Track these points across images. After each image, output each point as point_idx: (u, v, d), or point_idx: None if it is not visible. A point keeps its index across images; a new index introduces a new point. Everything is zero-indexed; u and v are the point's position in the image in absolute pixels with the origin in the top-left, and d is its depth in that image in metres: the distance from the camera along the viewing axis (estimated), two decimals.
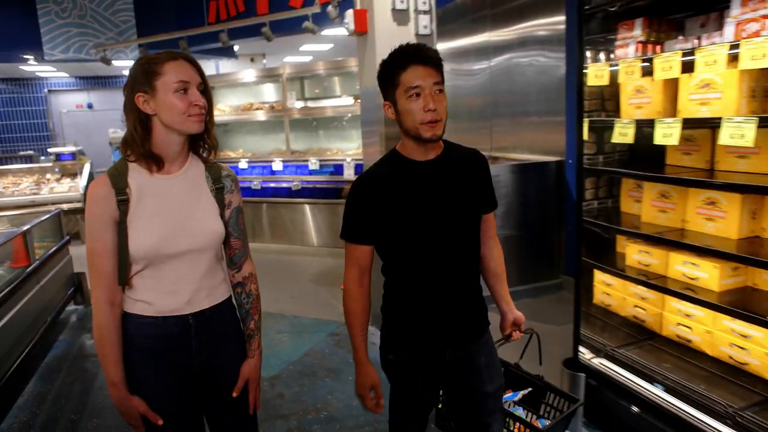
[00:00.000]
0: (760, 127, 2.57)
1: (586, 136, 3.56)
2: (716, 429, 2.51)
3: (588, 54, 3.79)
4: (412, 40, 4.56)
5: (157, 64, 1.76)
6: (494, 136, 7.26)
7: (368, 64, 4.83)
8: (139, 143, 1.81)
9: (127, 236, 1.79)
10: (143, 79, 1.77)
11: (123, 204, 1.79)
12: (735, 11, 2.72)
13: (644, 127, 3.14)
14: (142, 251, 1.80)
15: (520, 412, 2.64)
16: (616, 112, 3.61)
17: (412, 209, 2.00)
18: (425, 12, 4.69)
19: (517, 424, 2.45)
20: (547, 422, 2.67)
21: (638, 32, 3.36)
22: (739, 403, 2.65)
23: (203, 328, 1.96)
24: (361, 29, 4.66)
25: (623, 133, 3.23)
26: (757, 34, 2.54)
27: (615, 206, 3.98)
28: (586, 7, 3.28)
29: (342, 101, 8.87)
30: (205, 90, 1.85)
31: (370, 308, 2.14)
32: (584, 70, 3.47)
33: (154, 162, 1.85)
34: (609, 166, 3.81)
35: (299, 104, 9.02)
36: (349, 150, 8.75)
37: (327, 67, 8.72)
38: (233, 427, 2.12)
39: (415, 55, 1.89)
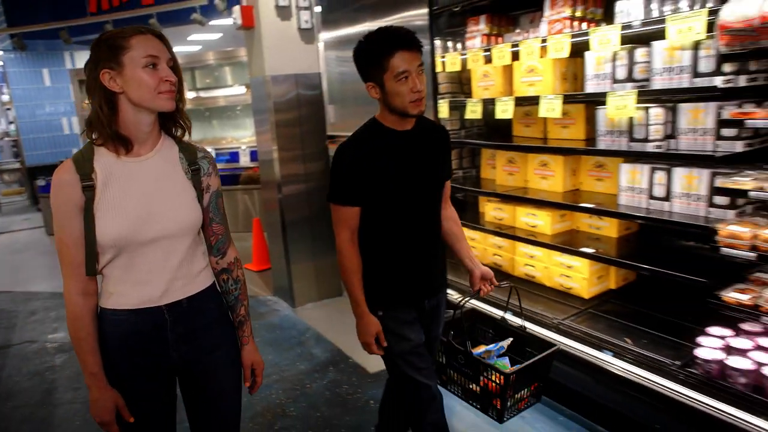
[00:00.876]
0: (567, 102, 3.35)
1: (447, 114, 4.25)
2: (545, 335, 3.27)
3: (449, 44, 4.48)
4: (295, 34, 5.07)
5: (124, 38, 1.63)
6: None
7: (256, 56, 5.25)
8: (105, 124, 1.67)
9: (93, 224, 1.66)
10: (108, 54, 1.63)
11: (88, 190, 1.65)
12: (546, 12, 3.47)
13: (489, 105, 3.85)
14: (110, 239, 1.68)
15: (506, 361, 2.69)
16: (471, 93, 4.32)
17: (395, 173, 2.21)
18: (305, 8, 5.19)
19: (495, 373, 2.44)
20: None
21: (483, 26, 4.07)
22: (562, 316, 3.46)
23: (180, 321, 1.83)
24: (248, 24, 5.07)
25: (473, 110, 3.94)
26: (560, 31, 3.30)
27: (477, 173, 4.72)
28: (435, 8, 3.96)
29: (234, 90, 9.11)
30: (175, 66, 1.73)
31: (361, 265, 2.31)
32: (437, 59, 4.15)
33: (122, 144, 1.71)
34: (469, 139, 4.53)
35: (191, 94, 9.15)
36: (244, 138, 9.04)
37: (217, 57, 8.92)
38: (216, 430, 2.01)
39: (401, 41, 2.05)
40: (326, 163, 5.89)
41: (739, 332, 2.75)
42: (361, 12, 8.36)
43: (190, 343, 1.87)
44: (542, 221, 3.85)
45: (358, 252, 2.29)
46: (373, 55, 2.10)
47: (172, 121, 1.84)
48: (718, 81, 2.53)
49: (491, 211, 4.29)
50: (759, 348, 2.59)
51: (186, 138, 1.90)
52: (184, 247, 1.83)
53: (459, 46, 4.43)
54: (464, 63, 4.04)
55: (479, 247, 4.46)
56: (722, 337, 2.72)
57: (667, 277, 2.87)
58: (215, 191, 1.94)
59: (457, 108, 4.37)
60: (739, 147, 2.68)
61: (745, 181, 2.53)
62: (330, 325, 5.11)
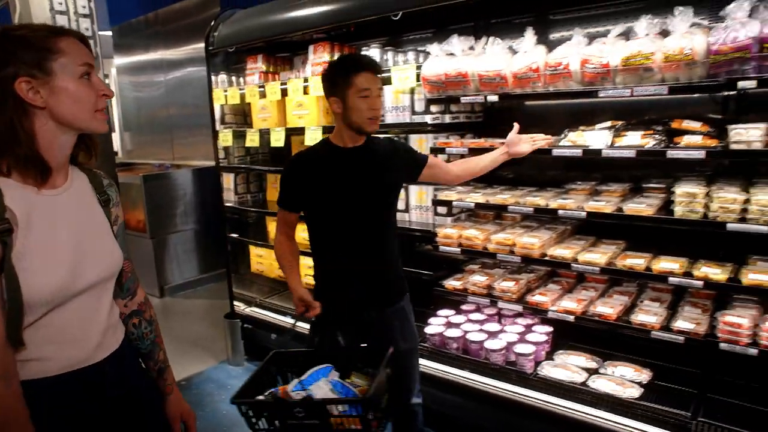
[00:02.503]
0: (328, 132, 3.96)
1: (231, 142, 4.65)
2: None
3: (234, 78, 4.89)
4: None
5: (50, 39, 1.31)
6: (175, 147, 7.95)
7: None
8: (24, 145, 1.30)
9: (17, 280, 1.28)
10: (29, 56, 1.28)
11: (5, 236, 1.27)
12: (310, 56, 4.08)
13: (266, 135, 4.33)
14: (46, 294, 1.33)
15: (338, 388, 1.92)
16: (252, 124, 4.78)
17: (339, 184, 2.37)
18: (85, 15, 5.13)
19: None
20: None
21: (261, 64, 4.56)
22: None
23: (116, 373, 1.54)
24: None
25: (252, 139, 4.40)
26: (320, 73, 3.91)
27: (264, 197, 5.18)
28: (210, 47, 4.38)
29: None
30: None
31: (298, 256, 2.54)
32: (220, 93, 4.55)
33: (39, 172, 1.35)
34: (254, 165, 4.97)
35: None
36: None
37: None
38: None
39: (368, 65, 2.31)
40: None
41: (459, 311, 3.55)
42: (154, 39, 8.42)
43: (125, 399, 1.57)
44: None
45: (293, 245, 2.54)
46: (342, 72, 2.29)
47: (79, 144, 1.48)
48: (428, 118, 3.32)
49: (272, 230, 4.76)
50: (469, 321, 3.40)
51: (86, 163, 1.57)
52: (110, 290, 1.56)
53: (243, 80, 4.86)
54: (243, 96, 4.48)
55: (266, 263, 4.89)
56: (446, 317, 3.49)
57: (408, 274, 3.59)
58: (122, 223, 1.66)
59: (241, 137, 4.79)
60: None
61: (450, 194, 3.33)
62: None
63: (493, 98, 2.98)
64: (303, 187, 2.40)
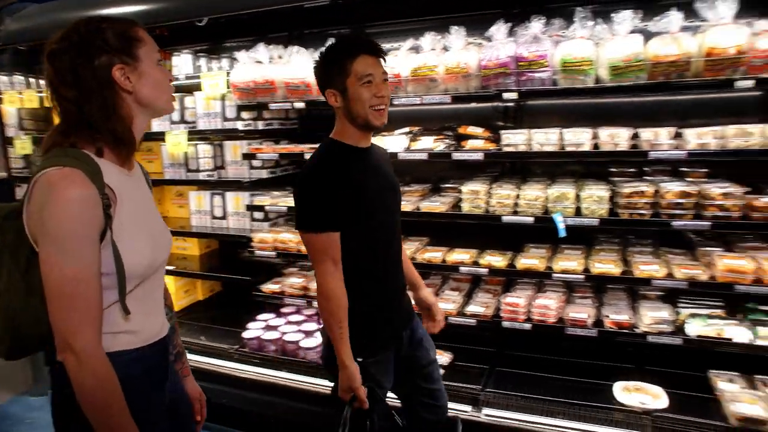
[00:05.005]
0: (149, 140, 3.80)
1: (28, 150, 4.23)
2: None
3: (33, 80, 4.46)
4: None
5: (132, 29, 1.43)
6: None
7: None
8: (119, 125, 1.40)
9: (118, 252, 1.36)
10: (121, 45, 1.38)
11: (108, 209, 1.34)
12: None
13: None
14: (141, 267, 1.43)
15: None
16: None
17: (371, 193, 2.01)
18: None
19: None
20: None
21: None
22: None
23: (170, 349, 1.67)
24: None
25: (23, 146, 4.06)
26: None
27: None
28: None
29: None
30: None
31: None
32: (4, 95, 4.17)
33: (130, 151, 1.46)
34: None
35: None
36: None
37: None
38: None
39: (364, 46, 1.93)
40: None
41: (279, 314, 3.61)
42: None
43: (173, 376, 1.70)
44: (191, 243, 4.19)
45: (343, 288, 1.96)
46: (336, 59, 1.93)
47: None
48: (240, 125, 3.35)
49: None
50: (288, 323, 3.47)
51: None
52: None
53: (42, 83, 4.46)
54: (43, 100, 4.12)
55: None
56: (266, 320, 3.53)
57: (227, 280, 3.57)
58: None
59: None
60: (265, 174, 3.55)
61: (264, 199, 3.38)
62: None
63: (300, 105, 3.09)
64: (337, 199, 1.91)
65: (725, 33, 2.33)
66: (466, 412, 2.80)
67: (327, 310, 1.95)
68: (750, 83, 2.34)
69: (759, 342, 2.56)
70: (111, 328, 1.41)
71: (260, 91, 3.13)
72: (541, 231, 2.83)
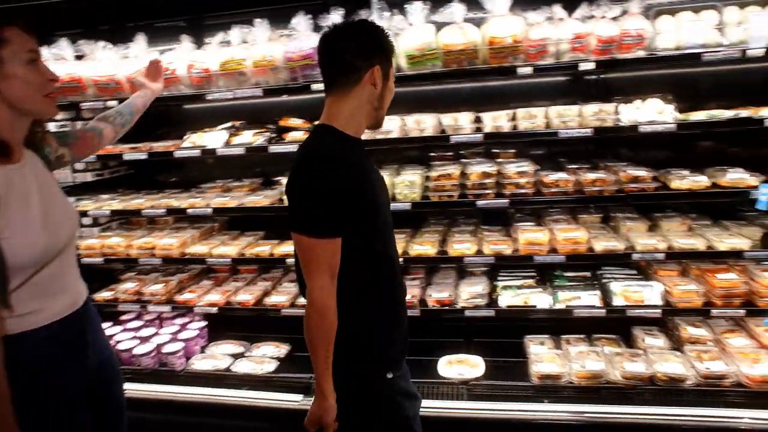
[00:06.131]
0: None
1: None
2: None
3: None
4: None
5: None
6: None
7: None
8: None
9: (0, 248, 1.45)
10: None
11: None
12: None
13: None
14: (32, 258, 1.52)
15: None
16: None
17: (379, 191, 1.78)
18: None
19: None
20: None
21: None
22: None
23: (90, 319, 1.79)
24: None
25: None
26: None
27: None
28: None
29: None
30: None
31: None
32: None
33: (1, 151, 1.51)
34: None
35: None
36: None
37: None
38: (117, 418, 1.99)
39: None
40: None
41: (118, 322, 3.46)
42: None
43: (98, 343, 1.83)
44: None
45: (335, 305, 1.67)
46: (387, 42, 1.74)
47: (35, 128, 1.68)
48: (52, 125, 3.14)
49: None
50: (125, 330, 3.34)
51: None
52: (74, 247, 1.80)
53: None
54: None
55: None
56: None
57: None
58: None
59: None
60: (90, 177, 3.39)
61: (88, 204, 3.22)
62: None
63: (114, 103, 2.96)
64: (350, 197, 1.63)
65: (503, 24, 2.50)
66: (297, 401, 2.83)
67: (320, 330, 1.65)
68: (529, 70, 2.53)
69: (558, 306, 2.79)
70: (12, 314, 1.53)
71: (68, 90, 2.96)
72: None
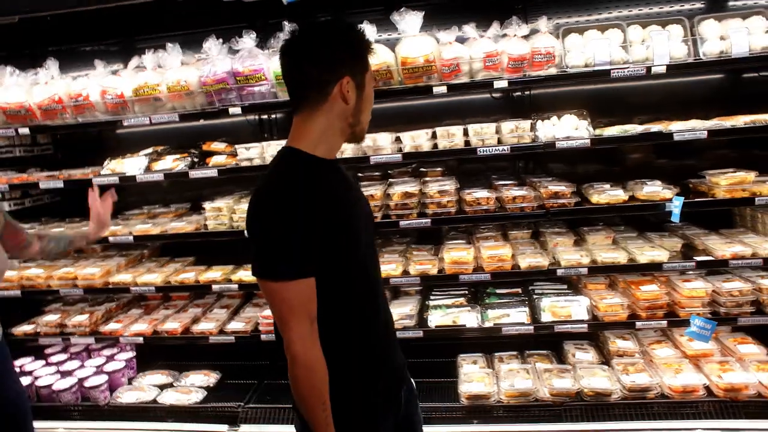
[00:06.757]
0: None
1: None
2: None
3: None
4: None
5: None
6: None
7: None
8: None
9: None
10: None
11: None
12: None
13: None
14: None
15: None
16: None
17: (355, 216, 1.54)
18: None
19: None
20: None
21: None
22: None
23: None
24: None
25: None
26: None
27: None
28: None
29: None
30: None
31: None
32: None
33: None
34: None
35: None
36: None
37: None
38: None
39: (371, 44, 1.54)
40: None
41: (41, 356, 3.32)
42: None
43: None
44: None
45: (322, 354, 1.45)
46: (358, 44, 1.49)
47: None
48: None
49: None
50: (48, 364, 3.20)
51: None
52: None
53: None
54: None
55: None
56: (20, 366, 3.21)
57: None
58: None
59: None
60: (6, 207, 3.27)
61: None
62: None
63: (24, 131, 2.87)
64: (323, 229, 1.41)
65: (415, 44, 2.49)
66: None
67: (308, 386, 1.43)
68: (443, 89, 2.52)
69: (488, 324, 2.77)
70: None
71: None
72: None
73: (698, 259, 2.64)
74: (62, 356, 3.28)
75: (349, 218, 1.49)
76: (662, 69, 2.36)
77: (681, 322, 2.66)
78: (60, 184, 2.93)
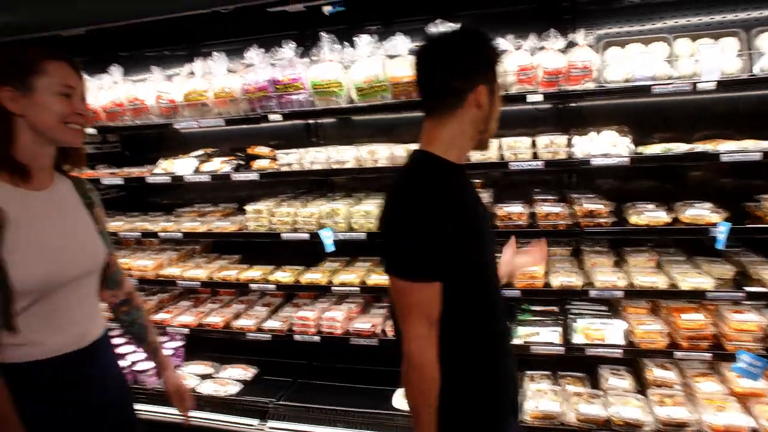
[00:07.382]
0: None
1: None
2: None
3: None
4: None
5: (37, 60, 1.51)
6: None
7: None
8: (3, 153, 1.49)
9: (5, 269, 1.44)
10: (13, 71, 1.48)
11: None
12: None
13: None
14: (33, 284, 1.49)
15: None
16: None
17: (485, 225, 1.60)
18: None
19: None
20: None
21: None
22: None
23: (99, 359, 1.70)
24: None
25: None
26: None
27: None
28: None
29: None
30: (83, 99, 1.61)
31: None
32: None
33: (19, 173, 1.52)
34: None
35: None
36: None
37: None
38: None
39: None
40: None
41: None
42: None
43: (104, 383, 1.73)
44: None
45: (436, 358, 1.46)
46: (492, 54, 1.53)
47: (65, 155, 1.67)
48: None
49: None
50: None
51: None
52: (94, 284, 1.72)
53: None
54: None
55: None
56: None
57: None
58: (104, 222, 1.81)
59: None
60: None
61: None
62: None
63: (91, 131, 3.12)
64: (457, 233, 1.43)
65: None
66: (253, 426, 2.87)
67: (417, 385, 1.44)
68: None
69: (517, 341, 2.71)
70: (13, 339, 1.50)
71: None
72: (320, 246, 2.92)
73: (748, 289, 2.44)
74: (119, 340, 3.54)
75: (479, 224, 1.52)
76: (710, 85, 2.20)
77: (727, 356, 2.47)
78: (120, 181, 3.16)
